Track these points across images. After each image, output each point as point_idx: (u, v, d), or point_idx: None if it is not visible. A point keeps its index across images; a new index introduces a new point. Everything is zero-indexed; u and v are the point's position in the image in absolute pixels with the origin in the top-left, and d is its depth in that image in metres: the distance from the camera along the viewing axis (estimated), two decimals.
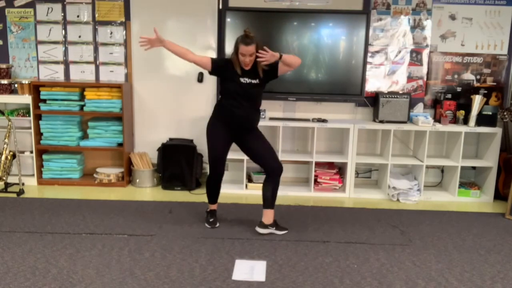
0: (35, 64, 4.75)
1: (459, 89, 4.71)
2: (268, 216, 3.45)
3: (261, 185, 4.44)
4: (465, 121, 4.47)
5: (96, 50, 4.72)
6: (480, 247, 3.34)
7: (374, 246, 3.30)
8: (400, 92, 4.68)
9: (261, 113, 3.92)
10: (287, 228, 3.52)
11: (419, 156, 4.58)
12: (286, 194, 4.47)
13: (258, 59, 3.22)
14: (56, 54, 4.73)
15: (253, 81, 3.31)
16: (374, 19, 4.57)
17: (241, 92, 3.30)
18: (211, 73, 3.40)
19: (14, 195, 4.20)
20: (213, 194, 3.62)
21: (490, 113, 4.41)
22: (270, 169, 3.43)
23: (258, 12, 4.43)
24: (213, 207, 3.67)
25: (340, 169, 4.66)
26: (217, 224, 3.60)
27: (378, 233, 3.54)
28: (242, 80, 3.29)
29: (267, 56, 3.16)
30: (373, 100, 4.67)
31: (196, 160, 4.58)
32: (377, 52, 4.66)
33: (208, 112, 4.80)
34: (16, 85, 4.56)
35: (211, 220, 3.60)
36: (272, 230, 3.46)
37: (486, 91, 4.68)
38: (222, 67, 3.34)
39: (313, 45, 4.46)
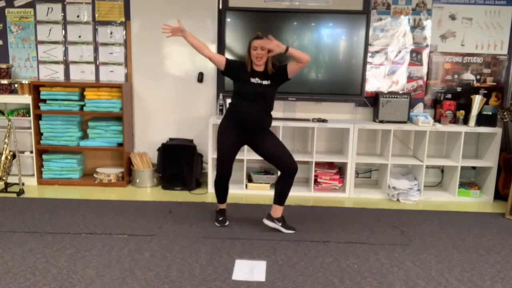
0: (35, 64, 4.75)
1: (459, 89, 4.71)
2: (276, 210, 3.52)
3: (261, 185, 4.53)
4: (465, 121, 4.47)
5: (96, 50, 4.72)
6: (480, 247, 3.34)
7: (374, 246, 3.30)
8: (400, 92, 4.68)
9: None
10: (295, 229, 3.51)
11: (419, 156, 4.58)
12: None
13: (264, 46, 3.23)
14: (56, 54, 4.73)
15: (264, 82, 3.32)
16: (374, 19, 4.57)
17: (251, 92, 3.31)
18: (223, 72, 3.42)
19: (14, 195, 4.20)
20: (221, 195, 3.64)
21: (490, 113, 4.40)
22: (285, 170, 3.43)
23: (258, 12, 4.43)
24: (222, 206, 3.69)
25: (340, 169, 4.66)
26: (227, 223, 3.61)
27: (378, 233, 3.54)
28: (252, 80, 3.31)
29: (272, 44, 3.15)
30: (373, 100, 4.67)
31: (196, 160, 4.58)
32: (377, 52, 4.66)
33: (208, 112, 4.82)
34: (16, 85, 4.56)
35: (220, 218, 3.63)
36: (278, 226, 3.49)
37: (486, 91, 4.68)
38: (235, 69, 3.37)
39: (313, 45, 4.46)
